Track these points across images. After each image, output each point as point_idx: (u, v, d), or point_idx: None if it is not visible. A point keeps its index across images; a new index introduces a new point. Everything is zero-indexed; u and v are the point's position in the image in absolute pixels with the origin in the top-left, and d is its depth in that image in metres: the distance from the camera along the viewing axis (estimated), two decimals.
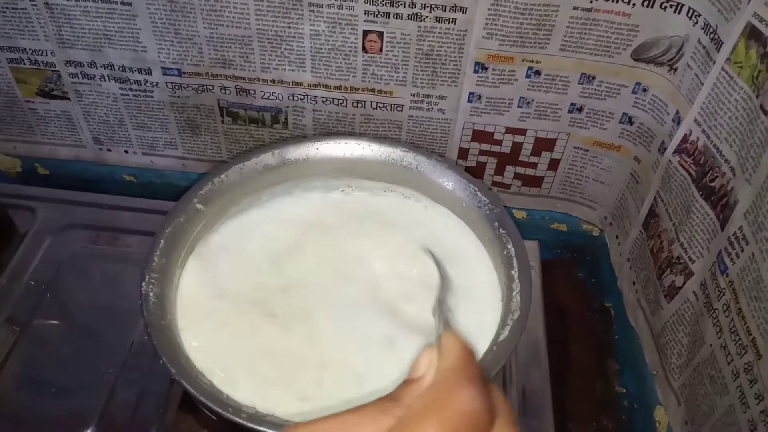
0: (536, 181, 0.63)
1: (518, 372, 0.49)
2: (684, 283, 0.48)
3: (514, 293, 0.38)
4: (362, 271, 0.43)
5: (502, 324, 0.37)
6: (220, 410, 0.32)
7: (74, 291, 0.55)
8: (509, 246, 0.41)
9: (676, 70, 0.51)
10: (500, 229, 0.42)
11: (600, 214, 0.65)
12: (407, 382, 0.24)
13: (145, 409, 0.47)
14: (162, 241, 0.40)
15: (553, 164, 0.61)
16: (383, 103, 0.58)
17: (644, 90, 0.54)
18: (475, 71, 0.54)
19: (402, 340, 0.39)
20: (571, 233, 0.67)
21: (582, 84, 0.55)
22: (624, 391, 0.59)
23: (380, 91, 0.57)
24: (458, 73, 0.55)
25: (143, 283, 0.37)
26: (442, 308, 0.37)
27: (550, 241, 0.67)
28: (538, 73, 0.54)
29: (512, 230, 0.42)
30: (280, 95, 0.59)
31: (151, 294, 0.37)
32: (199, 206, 0.43)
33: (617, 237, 0.62)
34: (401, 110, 0.58)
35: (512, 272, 0.39)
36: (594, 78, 0.54)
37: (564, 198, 0.64)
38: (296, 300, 0.41)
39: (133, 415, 0.46)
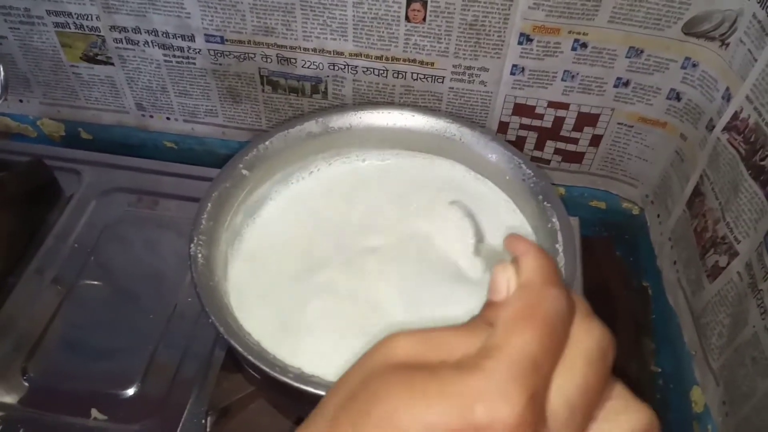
0: (577, 157, 0.62)
1: None
2: (728, 263, 0.47)
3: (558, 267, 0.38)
4: (407, 229, 0.44)
5: None
6: (267, 369, 0.33)
7: (118, 253, 0.56)
8: (554, 219, 0.41)
9: (728, 45, 0.49)
10: (545, 203, 0.42)
11: (641, 192, 0.64)
12: (490, 304, 0.24)
13: (188, 369, 0.48)
14: (209, 204, 0.41)
15: (595, 140, 0.60)
16: (424, 75, 0.57)
17: (694, 65, 0.52)
18: (520, 43, 0.54)
19: (456, 294, 0.39)
20: (609, 211, 0.67)
21: (630, 58, 0.53)
22: (659, 370, 0.59)
23: (422, 62, 0.57)
24: (502, 45, 0.54)
25: (191, 245, 0.38)
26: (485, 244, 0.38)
27: (588, 219, 0.67)
28: (584, 45, 0.53)
29: (557, 204, 0.42)
30: (320, 64, 0.58)
31: (200, 255, 0.38)
32: (244, 172, 0.44)
33: (658, 216, 0.61)
34: (442, 82, 0.58)
35: (556, 246, 0.39)
36: (642, 52, 0.53)
37: (604, 175, 0.64)
38: (345, 262, 0.42)
39: (176, 375, 0.48)
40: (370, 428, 0.19)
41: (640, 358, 0.60)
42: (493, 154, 0.46)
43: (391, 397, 0.20)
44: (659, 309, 0.60)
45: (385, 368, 0.21)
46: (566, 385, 0.21)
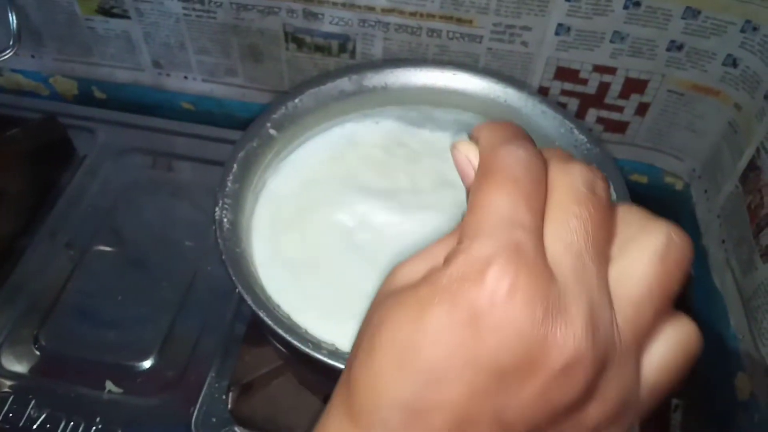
0: (621, 127, 0.58)
1: None
2: None
3: None
4: (444, 200, 0.41)
5: None
6: (299, 345, 0.30)
7: (133, 218, 0.54)
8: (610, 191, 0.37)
9: None
10: None
11: (688, 166, 0.60)
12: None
13: (208, 342, 0.45)
14: (235, 165, 0.37)
15: (642, 108, 0.56)
16: (461, 33, 0.54)
17: (754, 29, 0.48)
18: None
19: None
20: (651, 186, 0.63)
21: (686, 19, 0.49)
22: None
23: (459, 20, 0.53)
24: (548, 1, 0.50)
25: (216, 209, 0.35)
26: None
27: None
28: (637, 4, 0.49)
29: (613, 173, 0.38)
30: (350, 21, 0.55)
31: (225, 220, 0.35)
32: (272, 131, 0.40)
33: (706, 191, 0.58)
34: (480, 41, 0.54)
35: None
36: (700, 13, 0.49)
37: (649, 147, 0.60)
38: (375, 229, 0.39)
39: (195, 347, 0.45)
40: (380, 357, 0.18)
41: None
42: (542, 117, 0.42)
43: (391, 320, 0.19)
44: (702, 290, 0.57)
45: (385, 297, 0.20)
46: (560, 230, 0.19)
